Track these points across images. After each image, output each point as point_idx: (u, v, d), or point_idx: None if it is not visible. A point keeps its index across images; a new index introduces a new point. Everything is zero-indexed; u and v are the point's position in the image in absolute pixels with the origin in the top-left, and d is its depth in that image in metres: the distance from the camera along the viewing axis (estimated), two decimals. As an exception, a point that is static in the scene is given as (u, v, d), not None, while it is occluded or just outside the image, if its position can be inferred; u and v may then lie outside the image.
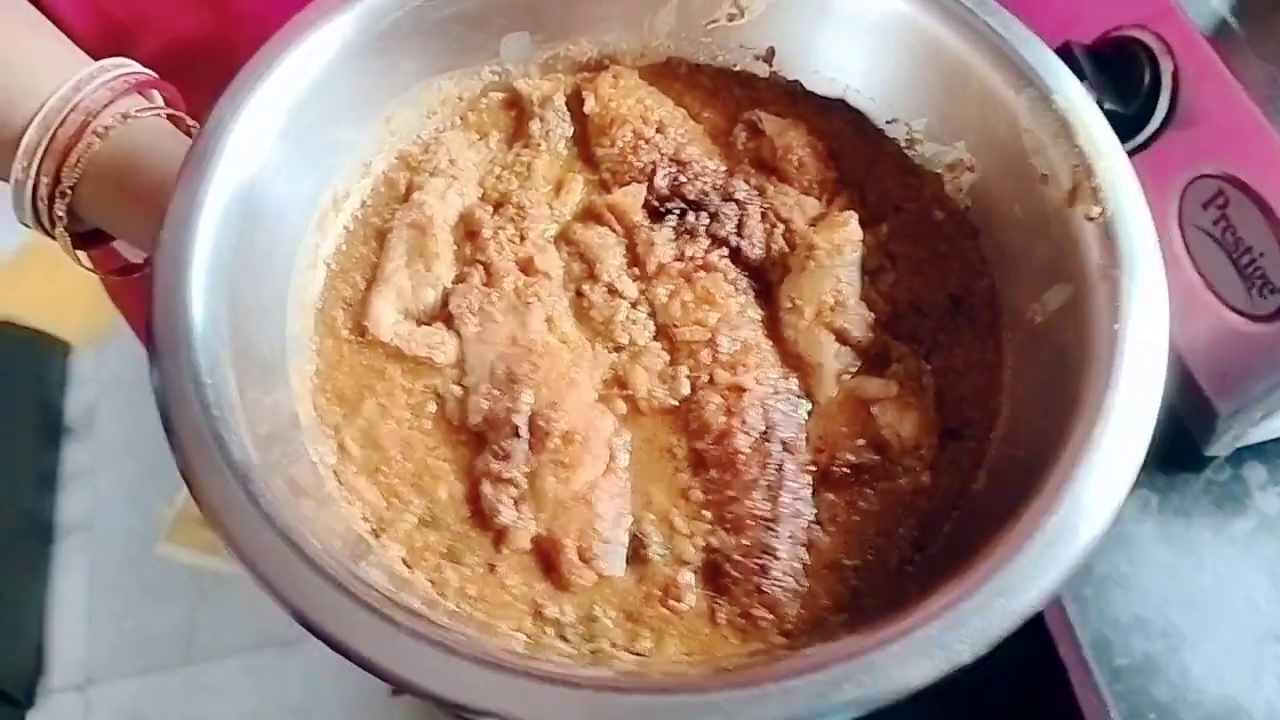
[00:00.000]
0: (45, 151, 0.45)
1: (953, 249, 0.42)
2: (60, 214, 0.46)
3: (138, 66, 0.48)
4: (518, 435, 0.36)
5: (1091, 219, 0.37)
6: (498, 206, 0.42)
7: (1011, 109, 0.40)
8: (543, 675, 0.29)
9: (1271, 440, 0.56)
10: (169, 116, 0.48)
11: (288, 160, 0.39)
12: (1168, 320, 0.36)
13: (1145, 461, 0.56)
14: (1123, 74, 0.55)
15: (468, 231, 0.42)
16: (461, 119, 0.45)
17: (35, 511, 1.48)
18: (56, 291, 0.85)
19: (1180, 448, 0.56)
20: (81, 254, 0.49)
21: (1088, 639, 0.53)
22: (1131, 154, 0.54)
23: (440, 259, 0.40)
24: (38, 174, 0.46)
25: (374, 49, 0.41)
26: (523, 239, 0.41)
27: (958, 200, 0.42)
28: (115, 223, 0.47)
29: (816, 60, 0.45)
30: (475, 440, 0.38)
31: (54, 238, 0.48)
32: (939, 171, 0.43)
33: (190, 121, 0.48)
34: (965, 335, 0.40)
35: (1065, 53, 0.56)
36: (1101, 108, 0.54)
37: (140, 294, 0.70)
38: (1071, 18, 0.58)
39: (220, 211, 0.36)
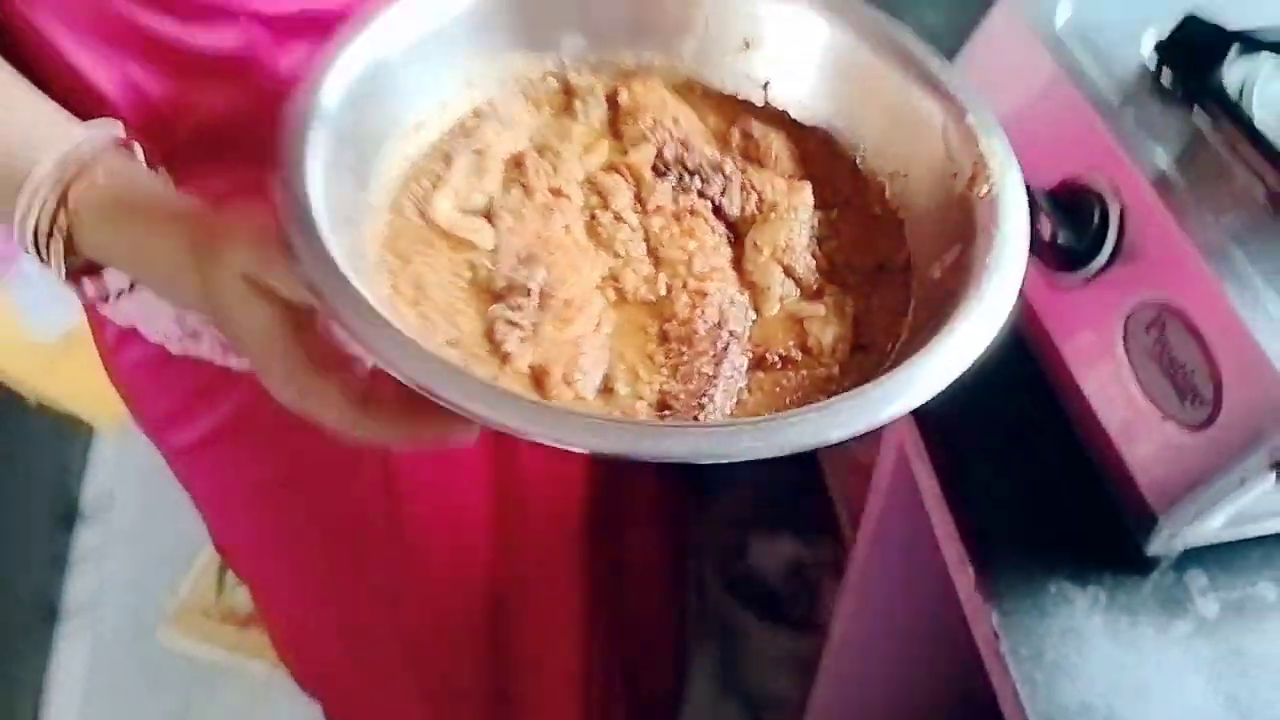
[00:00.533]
0: (54, 184, 0.50)
1: (883, 234, 0.53)
2: (61, 227, 0.51)
3: (120, 128, 0.54)
4: (529, 295, 0.47)
5: (982, 196, 0.48)
6: (540, 151, 0.54)
7: (937, 127, 0.52)
8: (547, 407, 0.42)
9: (1210, 548, 0.60)
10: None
11: (397, 72, 0.51)
12: (1026, 256, 0.45)
13: (1097, 562, 0.61)
14: (1077, 213, 0.62)
15: (514, 162, 0.53)
16: (524, 91, 0.56)
17: (43, 591, 1.51)
18: (93, 379, 0.91)
19: (1128, 551, 0.60)
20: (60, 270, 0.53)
21: (1037, 720, 0.56)
22: (1084, 283, 0.62)
23: (490, 175, 0.52)
24: (43, 203, 0.50)
25: (477, 16, 0.54)
26: (556, 173, 0.52)
27: (893, 203, 0.53)
28: (111, 241, 0.52)
29: (801, 94, 0.57)
30: (496, 299, 0.48)
31: (48, 259, 0.53)
32: (882, 181, 0.54)
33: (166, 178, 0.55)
34: (882, 288, 0.51)
35: (1027, 193, 0.64)
36: (1057, 242, 0.62)
37: (136, 378, 0.75)
38: (1035, 162, 0.65)
39: (354, 73, 0.48)
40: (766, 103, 0.57)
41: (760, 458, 0.38)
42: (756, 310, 0.50)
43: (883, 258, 0.52)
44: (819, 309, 0.49)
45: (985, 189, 0.48)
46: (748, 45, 0.57)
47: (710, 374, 0.45)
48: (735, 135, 0.56)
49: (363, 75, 0.48)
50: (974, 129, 0.50)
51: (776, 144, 0.55)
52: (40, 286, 1.16)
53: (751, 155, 0.56)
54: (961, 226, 0.48)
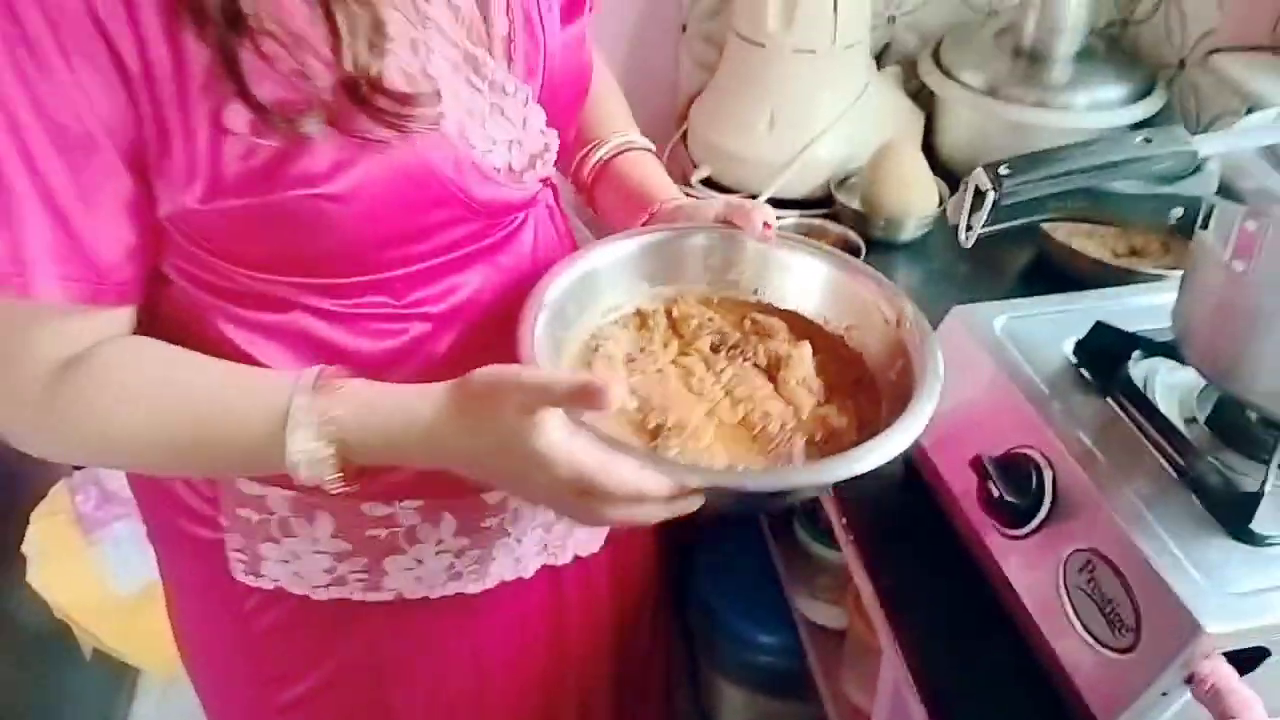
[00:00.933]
0: (310, 409, 0.64)
1: (853, 364, 0.84)
2: (331, 440, 0.64)
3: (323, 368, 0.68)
4: (671, 429, 0.73)
5: (907, 330, 0.80)
6: (641, 350, 0.80)
7: (876, 302, 0.83)
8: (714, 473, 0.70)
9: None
10: None
11: (567, 300, 0.79)
12: (942, 359, 0.76)
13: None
14: (1018, 478, 0.77)
15: (628, 358, 0.79)
16: (617, 319, 0.83)
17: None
18: (159, 630, 1.02)
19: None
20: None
21: None
22: (1027, 535, 0.77)
23: (618, 368, 0.80)
24: (311, 427, 0.64)
25: (601, 276, 0.84)
26: (656, 361, 0.81)
27: (853, 347, 0.85)
28: (378, 437, 0.66)
29: (783, 294, 0.88)
30: (651, 435, 0.74)
31: (322, 472, 0.65)
32: (840, 334, 0.86)
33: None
34: (862, 392, 0.81)
35: (977, 462, 0.80)
36: (1004, 500, 0.77)
37: (268, 637, 0.88)
38: (984, 439, 0.82)
39: (561, 288, 0.79)
40: (758, 299, 0.88)
41: (838, 479, 0.68)
42: (797, 416, 0.78)
43: (857, 376, 0.83)
44: (832, 409, 0.79)
45: (907, 325, 0.80)
46: (739, 271, 0.88)
47: (788, 454, 0.75)
48: (747, 323, 0.86)
49: (562, 292, 0.79)
50: (893, 296, 0.82)
51: (775, 323, 0.85)
52: (127, 544, 1.31)
53: (761, 332, 0.85)
54: (899, 349, 0.80)
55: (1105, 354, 0.83)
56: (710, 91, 1.49)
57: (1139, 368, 0.84)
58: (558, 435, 0.62)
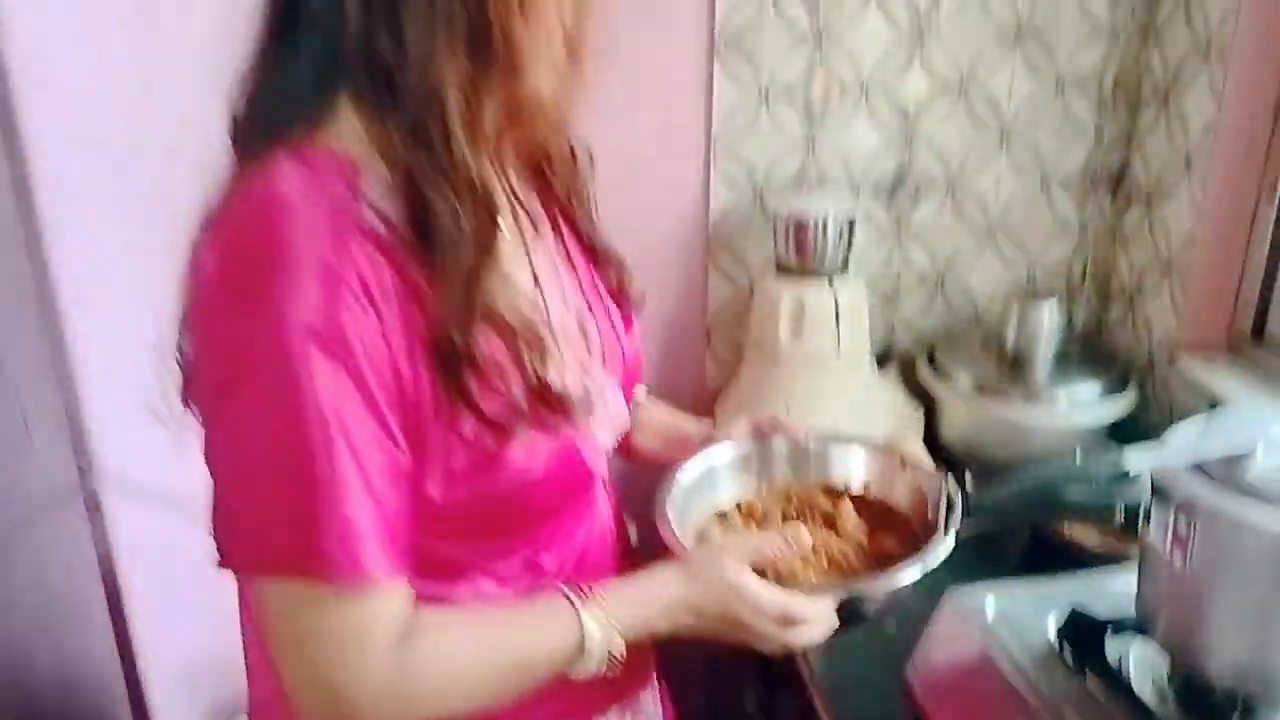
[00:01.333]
0: (585, 612, 0.82)
1: (880, 508, 1.04)
2: (615, 630, 0.83)
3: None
4: (784, 578, 0.91)
5: (909, 467, 1.03)
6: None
7: (890, 459, 1.07)
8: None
9: None
10: None
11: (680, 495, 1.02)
12: (945, 490, 0.94)
13: None
14: None
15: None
16: (710, 518, 1.05)
17: None
18: None
19: None
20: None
21: None
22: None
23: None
24: (603, 632, 0.82)
25: (716, 474, 1.08)
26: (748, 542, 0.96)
27: (874, 497, 1.06)
28: (638, 613, 0.84)
29: (839, 474, 1.10)
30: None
31: (614, 662, 0.83)
32: (863, 491, 1.07)
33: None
34: (898, 525, 1.00)
35: (975, 734, 0.90)
36: None
37: None
38: (977, 712, 0.92)
39: (684, 482, 1.04)
40: (795, 482, 1.10)
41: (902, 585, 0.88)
42: (861, 549, 0.97)
43: (888, 514, 1.03)
44: (882, 539, 0.99)
45: (910, 464, 1.04)
46: (804, 464, 1.11)
47: (857, 568, 0.94)
48: (794, 499, 1.07)
49: (683, 486, 1.04)
50: (896, 447, 1.07)
51: (815, 491, 1.07)
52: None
53: (807, 501, 1.06)
54: (916, 489, 1.02)
55: (1082, 637, 0.95)
56: (732, 389, 1.69)
57: (1115, 643, 0.95)
58: (760, 583, 0.86)
